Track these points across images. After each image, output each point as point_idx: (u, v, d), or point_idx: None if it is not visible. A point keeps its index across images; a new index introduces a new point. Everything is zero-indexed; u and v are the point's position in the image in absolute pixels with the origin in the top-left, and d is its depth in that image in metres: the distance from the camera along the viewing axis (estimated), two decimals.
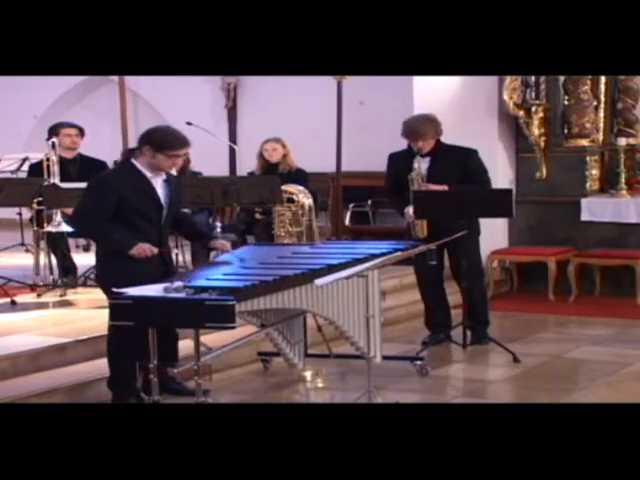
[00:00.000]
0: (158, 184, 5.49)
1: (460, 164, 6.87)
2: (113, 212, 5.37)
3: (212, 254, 7.68)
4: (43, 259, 8.06)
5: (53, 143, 7.97)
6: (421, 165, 6.80)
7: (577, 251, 9.08)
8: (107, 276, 5.44)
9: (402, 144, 7.06)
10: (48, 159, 7.94)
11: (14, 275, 8.03)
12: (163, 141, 5.39)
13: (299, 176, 8.36)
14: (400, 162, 6.94)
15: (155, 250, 5.41)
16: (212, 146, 10.31)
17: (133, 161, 5.47)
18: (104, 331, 5.74)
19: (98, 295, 7.22)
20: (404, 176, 6.83)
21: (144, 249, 5.36)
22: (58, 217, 7.71)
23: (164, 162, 5.41)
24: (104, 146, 10.21)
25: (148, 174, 5.44)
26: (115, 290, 4.73)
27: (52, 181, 7.82)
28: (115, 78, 10.66)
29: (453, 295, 7.38)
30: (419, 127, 6.81)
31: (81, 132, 8.39)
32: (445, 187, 6.76)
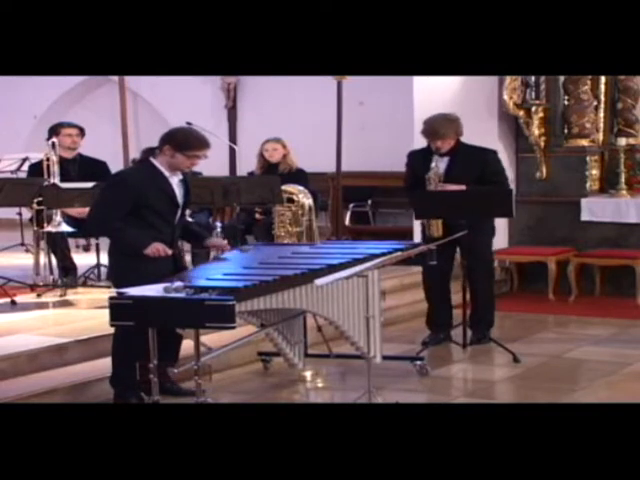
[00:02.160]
0: (175, 183, 5.55)
1: (478, 164, 6.89)
2: (129, 210, 5.39)
3: (212, 254, 7.68)
4: (43, 259, 8.07)
5: (53, 143, 7.98)
6: (439, 164, 6.82)
7: (577, 251, 9.08)
8: (119, 274, 5.46)
9: (401, 144, 7.06)
10: (48, 159, 7.94)
11: (14, 275, 8.03)
12: (184, 141, 5.47)
13: (299, 176, 8.36)
14: (419, 160, 6.96)
15: (169, 251, 5.44)
16: (212, 146, 10.30)
17: (152, 160, 5.52)
18: (104, 331, 5.74)
19: (98, 295, 7.26)
20: (422, 174, 6.85)
21: (158, 249, 5.39)
22: (58, 217, 7.71)
23: (183, 162, 5.48)
24: (104, 146, 10.21)
25: (166, 173, 5.49)
26: (115, 290, 4.73)
27: (52, 181, 7.82)
28: (115, 78, 10.66)
29: (457, 294, 7.37)
30: (439, 127, 6.82)
31: (82, 132, 8.39)
32: (462, 187, 6.77)
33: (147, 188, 5.42)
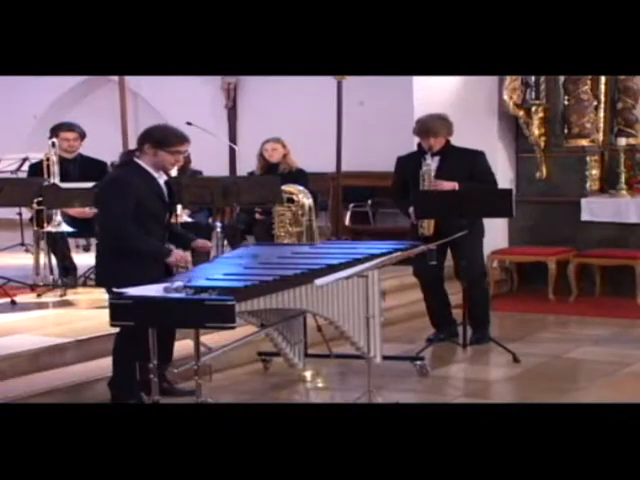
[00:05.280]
0: (162, 184, 5.49)
1: (467, 165, 6.93)
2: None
3: (211, 255, 7.67)
4: (43, 259, 8.07)
5: (53, 142, 7.98)
6: (430, 164, 6.84)
7: (577, 251, 9.08)
8: (108, 277, 5.39)
9: (401, 144, 7.07)
10: (48, 159, 7.94)
11: (14, 275, 8.03)
12: (162, 138, 5.38)
13: (299, 176, 8.36)
14: (409, 163, 6.98)
15: (189, 259, 5.40)
16: (212, 146, 10.31)
17: (137, 161, 5.43)
18: (104, 331, 5.73)
19: (98, 295, 7.25)
20: (412, 177, 6.87)
21: (182, 256, 5.36)
22: (58, 217, 7.71)
23: (167, 159, 5.39)
24: (104, 146, 10.19)
25: (154, 174, 5.43)
26: (115, 290, 4.72)
27: (52, 181, 7.82)
28: (115, 78, 10.65)
29: (455, 295, 7.38)
30: (433, 125, 6.88)
31: (80, 135, 8.35)
32: (455, 184, 6.79)
33: (144, 191, 5.34)
